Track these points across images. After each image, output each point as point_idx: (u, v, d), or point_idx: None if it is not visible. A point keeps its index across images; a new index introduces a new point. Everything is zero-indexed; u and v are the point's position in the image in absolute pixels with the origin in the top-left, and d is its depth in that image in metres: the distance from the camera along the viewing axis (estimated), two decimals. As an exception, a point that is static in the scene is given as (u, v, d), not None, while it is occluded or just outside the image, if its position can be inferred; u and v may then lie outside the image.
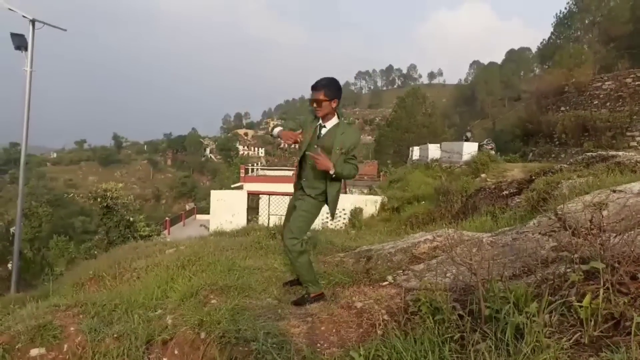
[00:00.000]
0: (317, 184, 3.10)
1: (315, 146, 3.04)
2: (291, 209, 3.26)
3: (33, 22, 9.70)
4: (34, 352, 2.66)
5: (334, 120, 3.08)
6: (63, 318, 3.00)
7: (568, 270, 2.39)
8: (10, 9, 9.29)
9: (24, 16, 9.58)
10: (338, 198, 3.18)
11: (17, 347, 2.67)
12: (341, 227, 12.40)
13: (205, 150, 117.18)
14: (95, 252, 13.20)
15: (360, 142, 3.15)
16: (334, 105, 3.01)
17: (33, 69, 9.90)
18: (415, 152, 27.30)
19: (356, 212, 14.96)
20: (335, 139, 3.00)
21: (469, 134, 24.91)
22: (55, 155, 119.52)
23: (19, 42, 9.74)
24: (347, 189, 21.66)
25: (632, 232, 2.62)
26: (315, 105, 2.99)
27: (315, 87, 2.98)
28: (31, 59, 9.79)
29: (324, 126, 3.08)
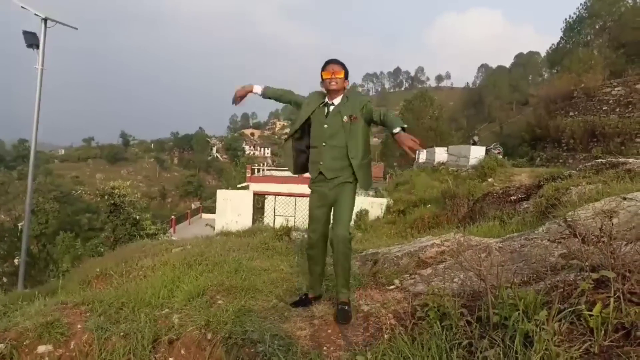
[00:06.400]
0: (340, 163, 2.89)
1: (325, 125, 2.91)
2: (319, 202, 2.98)
3: (45, 20, 9.77)
4: (42, 349, 2.67)
5: (340, 98, 2.95)
6: (70, 315, 3.03)
7: (578, 278, 2.38)
8: (23, 7, 9.37)
9: (36, 14, 9.66)
10: (370, 173, 3.00)
11: (24, 343, 2.69)
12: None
13: (211, 149, 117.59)
14: (102, 249, 13.31)
15: (368, 100, 2.96)
16: (346, 85, 2.95)
17: (44, 66, 9.98)
18: (422, 155, 27.26)
19: (362, 215, 14.95)
20: (341, 110, 2.90)
21: (476, 138, 24.87)
22: (63, 152, 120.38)
23: (31, 40, 9.81)
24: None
25: (644, 240, 2.59)
26: (333, 76, 2.87)
27: (334, 61, 2.91)
28: (42, 57, 9.87)
29: (332, 104, 2.95)
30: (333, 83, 2.88)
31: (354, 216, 15.57)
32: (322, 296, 3.20)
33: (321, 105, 2.97)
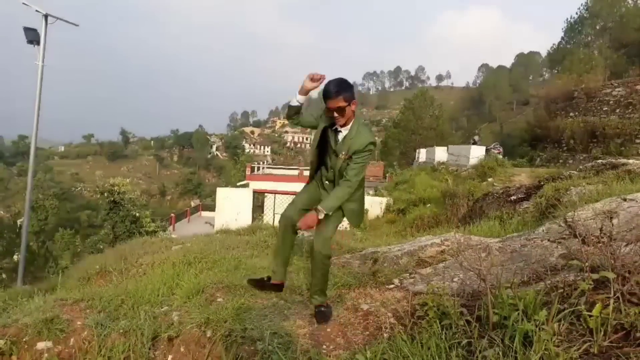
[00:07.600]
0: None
1: (335, 154, 2.75)
2: (308, 190, 2.94)
3: (46, 16, 9.77)
4: (41, 345, 2.68)
5: (351, 123, 2.72)
6: (70, 312, 3.03)
7: (578, 278, 2.38)
8: (24, 4, 9.37)
9: (37, 11, 9.65)
10: (359, 211, 2.92)
11: (24, 339, 2.69)
12: (346, 228, 12.38)
13: (211, 147, 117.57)
14: (101, 246, 13.31)
15: (367, 145, 2.69)
16: (353, 107, 2.66)
17: (45, 63, 9.98)
18: (422, 154, 27.27)
19: (361, 213, 14.91)
20: (345, 143, 2.70)
21: (476, 138, 24.88)
22: (62, 149, 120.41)
23: (32, 36, 9.82)
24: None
25: (644, 241, 2.59)
26: (336, 114, 2.62)
27: (329, 96, 2.59)
28: (43, 53, 9.87)
29: (340, 130, 2.73)
30: (339, 119, 2.66)
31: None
32: (285, 285, 3.08)
33: (332, 129, 2.76)
